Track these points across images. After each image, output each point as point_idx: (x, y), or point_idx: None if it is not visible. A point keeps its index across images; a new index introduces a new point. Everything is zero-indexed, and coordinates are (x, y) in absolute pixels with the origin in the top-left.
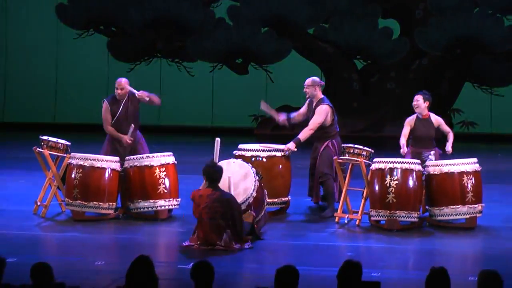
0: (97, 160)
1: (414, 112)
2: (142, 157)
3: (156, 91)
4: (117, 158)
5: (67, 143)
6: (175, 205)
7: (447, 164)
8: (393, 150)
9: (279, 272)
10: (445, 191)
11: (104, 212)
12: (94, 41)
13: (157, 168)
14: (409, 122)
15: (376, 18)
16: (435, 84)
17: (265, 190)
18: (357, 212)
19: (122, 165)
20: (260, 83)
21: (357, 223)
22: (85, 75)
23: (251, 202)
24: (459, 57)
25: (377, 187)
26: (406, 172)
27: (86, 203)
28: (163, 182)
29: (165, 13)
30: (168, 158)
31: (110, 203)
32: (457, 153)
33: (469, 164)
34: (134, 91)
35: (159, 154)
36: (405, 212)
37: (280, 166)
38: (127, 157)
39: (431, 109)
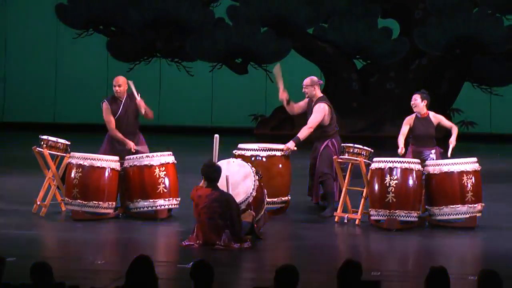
0: (97, 159)
1: (413, 112)
2: (142, 156)
3: (156, 90)
4: (116, 158)
5: (67, 142)
6: (174, 205)
7: (446, 164)
8: (393, 150)
9: (278, 272)
10: (444, 191)
11: (104, 212)
12: (94, 41)
13: (156, 167)
14: (408, 121)
15: (376, 18)
16: (435, 84)
17: (265, 190)
18: (357, 212)
19: (121, 164)
20: (260, 83)
21: (357, 222)
22: (85, 75)
23: (251, 201)
24: (458, 57)
25: (376, 187)
26: (405, 172)
27: (85, 202)
28: (162, 181)
29: (164, 13)
30: (167, 157)
31: (110, 203)
32: (457, 152)
33: (468, 164)
34: (136, 94)
35: (158, 153)
36: (405, 211)
37: (280, 165)
38: (126, 157)
39: (430, 108)
